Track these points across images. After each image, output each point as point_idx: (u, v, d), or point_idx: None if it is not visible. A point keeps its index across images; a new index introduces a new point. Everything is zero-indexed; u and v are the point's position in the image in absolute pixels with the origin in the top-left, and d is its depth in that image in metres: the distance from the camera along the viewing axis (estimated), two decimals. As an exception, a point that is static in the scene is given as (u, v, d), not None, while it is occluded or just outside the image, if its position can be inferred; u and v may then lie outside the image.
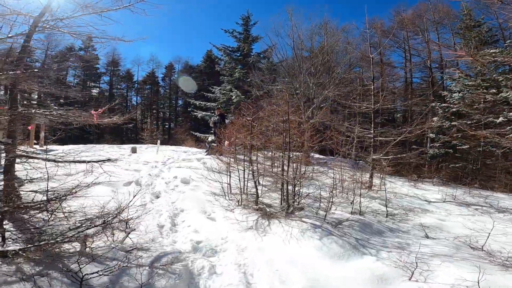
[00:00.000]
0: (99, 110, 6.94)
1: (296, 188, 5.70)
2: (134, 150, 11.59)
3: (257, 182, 5.85)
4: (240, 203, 5.88)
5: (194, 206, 5.78)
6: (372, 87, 8.93)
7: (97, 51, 40.38)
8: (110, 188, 6.37)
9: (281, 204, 5.84)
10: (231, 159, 6.70)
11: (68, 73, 39.08)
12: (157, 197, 6.46)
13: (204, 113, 20.25)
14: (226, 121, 11.93)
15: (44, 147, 12.11)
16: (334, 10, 47.30)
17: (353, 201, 6.14)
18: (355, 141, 9.36)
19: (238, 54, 21.87)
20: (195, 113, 20.94)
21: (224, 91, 20.43)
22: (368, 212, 6.12)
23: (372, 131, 8.75)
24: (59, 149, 11.50)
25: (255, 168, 5.97)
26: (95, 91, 41.35)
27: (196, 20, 67.68)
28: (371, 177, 8.38)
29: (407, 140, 12.16)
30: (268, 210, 5.41)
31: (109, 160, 5.05)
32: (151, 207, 5.77)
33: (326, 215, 5.23)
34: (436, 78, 21.68)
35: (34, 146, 11.88)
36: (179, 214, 5.58)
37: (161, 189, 6.70)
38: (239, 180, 6.18)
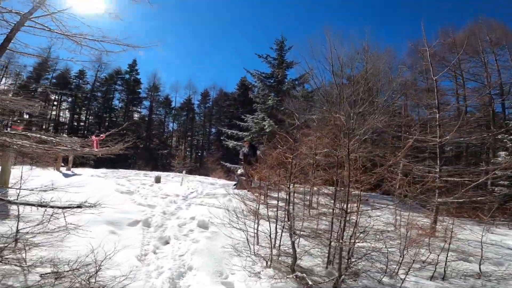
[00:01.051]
0: (101, 136, 5.79)
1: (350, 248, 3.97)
2: (158, 180, 10.41)
3: (295, 241, 4.17)
4: (269, 264, 4.21)
5: (207, 264, 4.20)
6: (437, 116, 7.10)
7: (139, 75, 41.99)
8: (110, 228, 5.03)
9: (327, 267, 4.11)
10: (260, 203, 5.11)
11: (114, 96, 40.62)
12: (166, 243, 5.00)
13: (235, 142, 19.04)
14: (258, 152, 10.48)
15: (71, 170, 11.35)
16: (377, 32, 45.29)
17: (435, 260, 4.24)
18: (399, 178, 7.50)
19: (272, 81, 20.55)
20: (226, 143, 19.80)
21: (257, 120, 19.19)
22: (452, 273, 4.22)
23: (437, 169, 6.84)
24: (82, 173, 10.66)
25: (293, 222, 4.34)
26: (136, 116, 42.47)
27: (233, 45, 69.13)
28: (434, 222, 6.38)
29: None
30: (309, 281, 3.69)
31: (78, 207, 3.67)
32: (151, 259, 4.30)
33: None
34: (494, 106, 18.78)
35: (61, 169, 11.14)
36: (185, 274, 4.01)
37: (171, 234, 5.22)
38: (270, 230, 4.55)
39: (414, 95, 13.73)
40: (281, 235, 4.47)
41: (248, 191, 9.45)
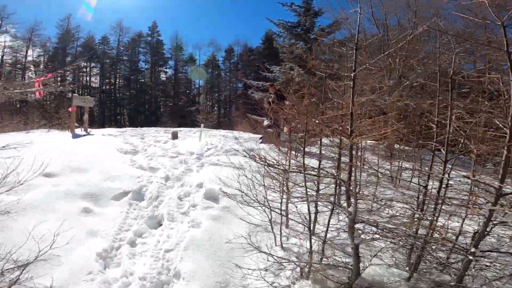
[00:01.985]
0: (44, 76, 4.06)
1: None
2: (174, 136, 8.87)
3: (359, 243, 2.26)
4: (306, 274, 2.48)
5: (205, 268, 2.57)
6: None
7: (161, 36, 40.20)
8: (85, 204, 3.54)
9: (409, 278, 2.33)
10: (289, 165, 3.27)
11: (139, 59, 39.40)
12: (157, 226, 3.46)
13: (262, 94, 17.00)
14: (286, 102, 8.45)
15: (87, 130, 10.15)
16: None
17: None
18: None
19: (299, 29, 17.99)
20: (253, 94, 17.80)
21: (284, 70, 16.92)
22: None
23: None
24: (95, 133, 9.44)
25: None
26: (163, 76, 41.24)
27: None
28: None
29: None
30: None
31: None
32: (121, 258, 2.75)
33: None
34: None
35: (76, 129, 9.96)
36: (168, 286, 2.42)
37: (166, 211, 3.62)
38: (309, 217, 2.73)
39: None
40: (329, 221, 2.66)
41: (275, 145, 7.74)
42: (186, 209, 3.64)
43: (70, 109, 9.70)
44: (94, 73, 38.89)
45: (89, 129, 10.59)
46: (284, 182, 2.89)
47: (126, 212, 3.54)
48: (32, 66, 35.28)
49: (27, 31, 33.85)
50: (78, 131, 9.87)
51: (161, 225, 3.41)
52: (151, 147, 6.91)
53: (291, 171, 2.82)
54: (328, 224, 2.61)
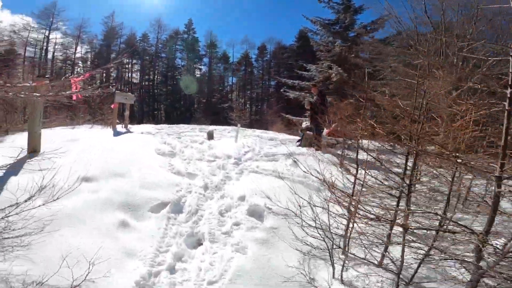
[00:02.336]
0: (82, 76, 3.81)
1: None
2: (210, 136, 8.63)
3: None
4: None
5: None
6: None
7: (196, 33, 40.78)
8: (122, 216, 3.29)
9: None
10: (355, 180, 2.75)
11: (176, 56, 40.24)
12: (196, 245, 3.12)
13: (297, 93, 16.35)
14: (328, 101, 7.86)
15: (127, 127, 10.26)
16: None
17: None
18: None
19: (337, 27, 17.04)
20: (287, 93, 17.21)
21: (321, 69, 16.14)
22: None
23: None
24: (135, 131, 9.48)
25: None
26: (198, 73, 41.84)
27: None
28: None
29: None
30: None
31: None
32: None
33: None
34: None
35: (118, 125, 10.09)
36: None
37: (207, 230, 3.26)
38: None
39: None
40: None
41: (317, 149, 7.17)
42: (228, 228, 3.26)
43: (112, 106, 9.82)
44: (135, 69, 40.36)
45: (129, 126, 10.72)
46: (350, 205, 2.41)
47: (164, 228, 3.23)
48: (80, 62, 37.22)
49: (76, 28, 35.68)
50: (119, 127, 9.98)
51: (201, 244, 3.06)
52: (188, 149, 6.67)
53: (362, 195, 2.30)
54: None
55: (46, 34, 33.16)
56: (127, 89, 39.07)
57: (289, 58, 37.64)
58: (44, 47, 33.17)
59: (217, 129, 11.93)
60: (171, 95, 39.50)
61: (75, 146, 5.52)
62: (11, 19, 31.84)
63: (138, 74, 40.19)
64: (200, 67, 41.94)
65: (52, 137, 6.81)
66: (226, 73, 41.97)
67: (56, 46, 35.03)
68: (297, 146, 8.84)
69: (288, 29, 68.03)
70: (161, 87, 40.94)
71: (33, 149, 5.23)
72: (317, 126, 7.56)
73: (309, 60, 22.72)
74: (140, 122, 32.65)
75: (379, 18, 15.47)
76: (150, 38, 40.04)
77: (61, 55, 35.70)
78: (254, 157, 6.31)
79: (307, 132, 8.72)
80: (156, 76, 40.93)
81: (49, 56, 34.24)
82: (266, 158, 6.37)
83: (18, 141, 5.51)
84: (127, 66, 39.52)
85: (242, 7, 64.73)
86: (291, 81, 17.54)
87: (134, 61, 39.69)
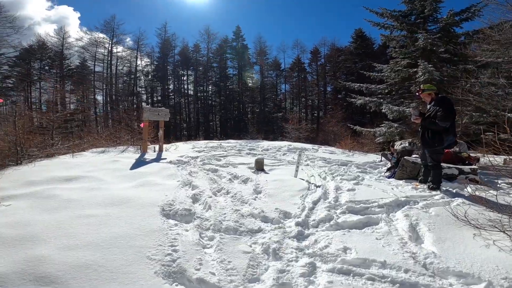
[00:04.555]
0: None
1: None
2: (259, 166, 5.95)
3: None
4: None
5: None
6: None
7: (245, 41, 39.07)
8: None
9: None
10: None
11: (227, 65, 39.00)
12: None
13: (368, 98, 12.90)
14: (454, 113, 4.51)
15: (162, 149, 8.20)
16: None
17: None
18: None
19: (413, 18, 13.25)
20: (352, 100, 13.83)
21: (398, 68, 12.57)
22: None
23: None
24: (168, 156, 7.33)
25: None
26: (250, 81, 40.04)
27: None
28: None
29: None
30: None
31: None
32: None
33: None
34: None
35: (149, 148, 8.10)
36: None
37: None
38: None
39: None
40: None
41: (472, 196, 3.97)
42: None
43: (141, 125, 7.88)
44: (190, 80, 40.23)
45: (165, 147, 8.69)
46: None
47: None
48: (142, 76, 38.14)
49: (134, 41, 36.58)
50: (151, 150, 7.99)
51: None
52: (222, 195, 4.11)
53: None
54: None
55: (109, 48, 34.41)
56: (184, 101, 39.04)
57: (346, 60, 33.72)
58: (108, 61, 34.38)
59: (269, 148, 9.26)
60: (224, 106, 38.35)
61: (49, 200, 3.34)
62: (78, 34, 33.77)
63: (193, 85, 39.94)
64: (251, 75, 40.18)
65: (48, 170, 4.87)
66: (279, 80, 39.44)
67: (119, 60, 36.10)
68: (387, 177, 5.75)
69: (342, 30, 63.31)
70: (214, 98, 40.14)
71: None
72: (434, 150, 4.40)
73: (370, 61, 19.11)
74: (194, 135, 32.05)
75: (471, 6, 11.63)
76: (202, 48, 39.59)
77: (121, 69, 36.67)
78: (331, 216, 3.45)
79: (406, 158, 5.58)
80: (209, 87, 40.25)
81: (113, 69, 35.35)
82: (353, 218, 3.44)
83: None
84: (183, 78, 39.55)
85: (290, 10, 62.08)
86: (357, 85, 14.07)
87: (189, 72, 39.54)
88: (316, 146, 10.71)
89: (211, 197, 3.92)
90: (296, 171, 5.46)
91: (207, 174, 5.08)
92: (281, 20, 62.69)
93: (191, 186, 4.30)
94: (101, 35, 34.11)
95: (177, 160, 6.04)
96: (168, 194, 3.73)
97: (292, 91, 38.66)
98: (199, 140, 15.44)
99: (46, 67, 30.23)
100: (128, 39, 37.39)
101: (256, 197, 4.12)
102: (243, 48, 38.59)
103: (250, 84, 40.14)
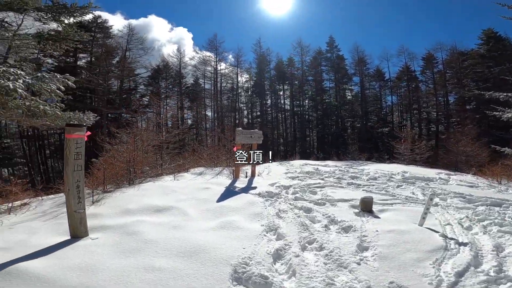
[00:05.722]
0: None
1: None
2: (367, 207, 4.64)
3: None
4: None
5: None
6: None
7: (341, 51, 36.68)
8: None
9: None
10: None
11: (323, 78, 37.50)
12: None
13: (521, 111, 9.52)
14: None
15: (255, 174, 7.83)
16: None
17: None
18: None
19: None
20: (496, 113, 10.46)
21: None
22: None
23: None
24: (258, 184, 6.85)
25: None
26: (348, 94, 37.38)
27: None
28: None
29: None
30: None
31: None
32: None
33: None
34: None
35: (242, 173, 7.81)
36: None
37: None
38: None
39: None
40: None
41: None
42: None
43: (234, 149, 7.66)
44: (286, 95, 40.51)
45: (257, 170, 8.24)
46: None
47: None
48: (243, 91, 40.60)
49: (235, 58, 39.18)
50: (243, 175, 7.64)
51: None
52: (311, 252, 3.18)
53: None
54: None
55: (214, 65, 37.83)
56: (281, 115, 39.52)
57: (475, 65, 27.51)
58: (214, 78, 37.92)
59: (377, 176, 7.60)
60: (322, 120, 36.83)
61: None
62: (191, 54, 37.96)
63: (289, 100, 39.98)
64: (350, 87, 37.43)
65: (147, 196, 4.97)
66: (383, 91, 35.32)
67: (223, 77, 39.15)
68: None
69: (463, 32, 52.77)
70: (311, 112, 39.14)
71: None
72: None
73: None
74: (291, 152, 31.64)
75: None
76: (296, 61, 39.30)
77: (225, 85, 39.64)
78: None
79: None
80: (304, 101, 39.51)
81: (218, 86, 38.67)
82: None
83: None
84: (279, 93, 40.15)
85: (388, 15, 55.89)
86: (503, 94, 10.60)
87: (286, 87, 39.86)
88: (443, 174, 8.32)
89: (297, 256, 3.00)
90: (423, 218, 3.97)
91: (298, 216, 4.18)
92: (379, 27, 57.35)
93: (276, 234, 3.51)
94: (208, 53, 37.55)
95: (266, 192, 5.38)
96: (246, 247, 3.04)
97: (401, 103, 33.79)
98: (294, 159, 14.67)
99: (170, 86, 35.54)
100: (230, 56, 40.53)
101: (361, 258, 2.99)
102: (338, 59, 36.45)
103: (348, 97, 37.49)
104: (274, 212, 4.23)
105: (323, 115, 36.57)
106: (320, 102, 36.48)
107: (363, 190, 6.08)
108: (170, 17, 73.24)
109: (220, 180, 6.84)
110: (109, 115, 24.05)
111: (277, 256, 2.98)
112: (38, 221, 4.04)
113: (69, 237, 3.23)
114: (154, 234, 3.27)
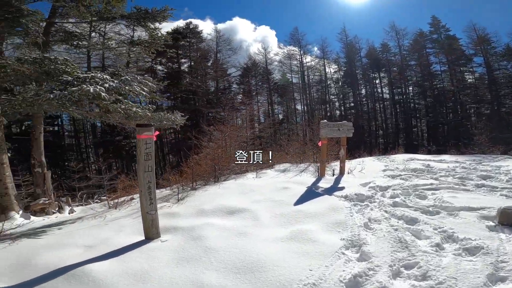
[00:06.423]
0: None
1: None
2: (508, 219, 3.21)
3: None
4: None
5: None
6: None
7: (450, 31, 30.06)
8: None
9: None
10: None
11: (430, 62, 31.51)
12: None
13: None
14: None
15: (343, 172, 6.96)
16: None
17: None
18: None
19: None
20: None
21: None
22: None
23: None
24: (347, 184, 5.92)
25: None
26: (469, 77, 30.31)
27: None
28: None
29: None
30: None
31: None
32: None
33: None
34: None
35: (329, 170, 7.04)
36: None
37: None
38: None
39: None
40: None
41: None
42: None
43: (319, 143, 6.83)
44: (384, 83, 36.07)
45: (348, 166, 7.20)
46: None
47: None
48: (332, 83, 38.36)
49: (320, 50, 37.17)
50: (330, 172, 6.76)
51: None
52: (405, 281, 2.22)
53: None
54: None
55: (300, 59, 36.87)
56: (379, 105, 35.56)
57: None
58: (301, 72, 37.02)
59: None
60: (433, 109, 31.07)
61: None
62: (275, 50, 38.29)
63: (388, 88, 35.34)
64: (470, 69, 30.29)
65: (224, 195, 4.81)
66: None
67: (309, 70, 37.88)
68: None
69: None
70: (417, 100, 33.59)
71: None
72: None
73: None
74: (393, 144, 27.95)
75: None
76: (391, 46, 34.28)
77: (312, 78, 38.26)
78: None
79: None
80: (408, 88, 34.16)
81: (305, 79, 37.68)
82: None
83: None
84: (375, 81, 36.04)
85: None
86: None
87: (382, 74, 35.40)
88: None
89: (384, 287, 2.10)
90: None
91: (395, 229, 3.14)
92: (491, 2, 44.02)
93: (359, 251, 2.66)
94: (292, 47, 37.06)
95: (355, 194, 4.43)
96: (314, 268, 2.35)
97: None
98: (397, 153, 12.59)
99: (260, 83, 36.70)
100: (315, 49, 38.80)
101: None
102: (449, 39, 29.87)
103: (469, 80, 30.42)
104: (362, 222, 3.33)
105: (435, 102, 30.81)
106: (430, 88, 30.85)
107: (501, 195, 4.33)
108: (251, 17, 75.94)
109: (303, 178, 6.20)
110: (209, 114, 26.30)
111: (353, 285, 2.18)
112: (129, 218, 4.30)
113: (143, 238, 3.23)
114: (217, 241, 2.95)
